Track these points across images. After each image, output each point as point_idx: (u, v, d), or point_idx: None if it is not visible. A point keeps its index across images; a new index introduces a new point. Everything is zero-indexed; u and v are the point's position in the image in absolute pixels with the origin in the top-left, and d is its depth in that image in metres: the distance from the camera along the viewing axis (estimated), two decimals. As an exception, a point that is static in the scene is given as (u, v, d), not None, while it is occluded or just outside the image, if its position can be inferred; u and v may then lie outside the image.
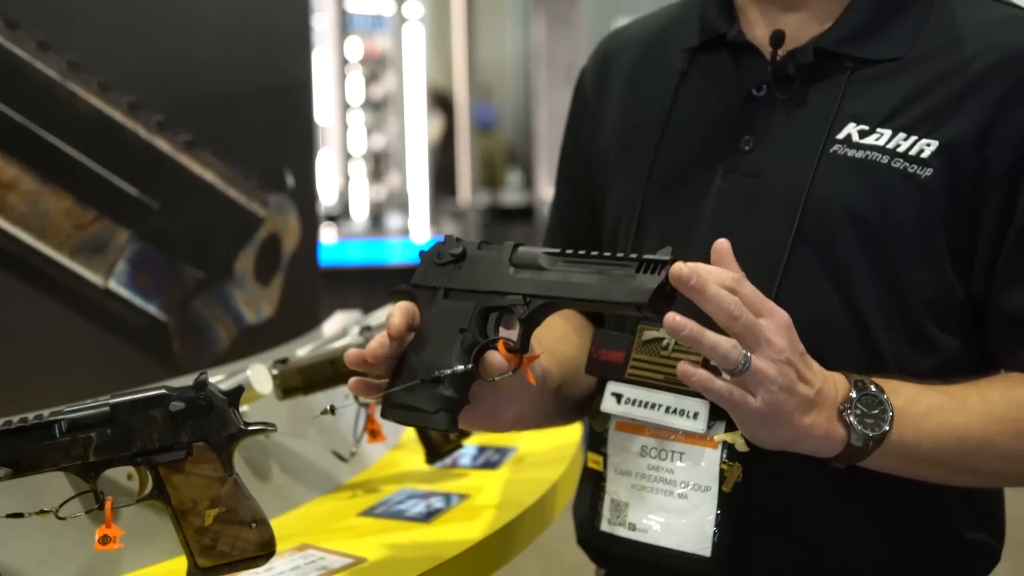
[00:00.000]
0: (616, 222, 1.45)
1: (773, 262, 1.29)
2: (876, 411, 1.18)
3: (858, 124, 1.30)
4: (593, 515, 1.39)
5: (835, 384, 1.20)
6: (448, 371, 1.20)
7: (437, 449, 1.80)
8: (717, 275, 1.13)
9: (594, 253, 1.17)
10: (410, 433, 2.00)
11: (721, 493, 1.28)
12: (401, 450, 2.01)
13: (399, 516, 1.65)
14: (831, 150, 1.29)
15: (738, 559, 1.29)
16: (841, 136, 1.30)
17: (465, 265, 1.25)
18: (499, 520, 1.62)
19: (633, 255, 1.13)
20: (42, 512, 1.29)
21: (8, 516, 1.29)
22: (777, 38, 1.32)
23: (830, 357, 1.22)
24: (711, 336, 1.11)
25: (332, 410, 1.45)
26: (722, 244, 1.17)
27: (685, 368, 1.13)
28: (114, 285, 1.69)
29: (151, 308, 1.75)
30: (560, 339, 1.46)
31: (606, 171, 1.48)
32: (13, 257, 1.56)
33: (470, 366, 1.20)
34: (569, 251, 1.18)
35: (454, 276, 1.25)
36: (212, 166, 1.86)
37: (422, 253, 1.29)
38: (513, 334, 1.23)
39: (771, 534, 1.30)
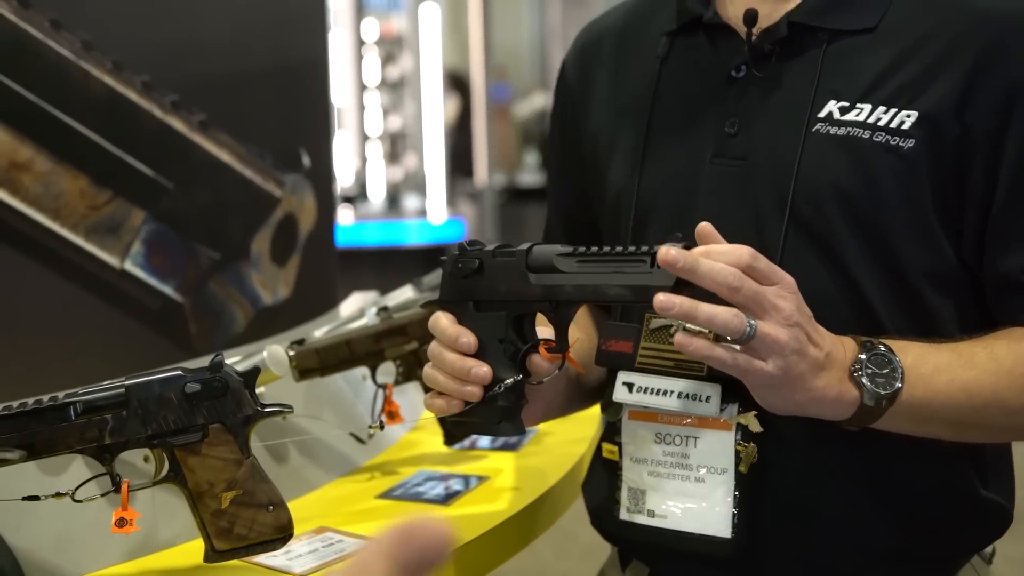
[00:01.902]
0: (614, 212, 1.44)
1: (770, 244, 1.28)
2: (886, 370, 1.19)
3: (838, 101, 1.30)
4: (611, 504, 1.39)
5: (844, 346, 1.20)
6: (501, 388, 1.23)
7: (455, 431, 1.79)
8: (732, 253, 1.13)
9: (606, 249, 1.17)
10: (428, 414, 1.99)
11: (738, 474, 1.29)
12: (419, 432, 2.00)
13: (417, 498, 1.64)
14: (814, 128, 1.29)
15: (757, 538, 1.30)
16: (823, 114, 1.30)
17: (486, 275, 1.24)
18: (519, 502, 1.61)
19: (645, 248, 1.13)
20: (58, 495, 1.29)
21: (24, 499, 1.28)
22: (750, 16, 1.32)
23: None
24: (705, 308, 1.10)
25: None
26: (704, 227, 1.17)
27: (681, 339, 1.13)
28: (130, 266, 1.67)
29: (167, 289, 1.74)
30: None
31: (597, 161, 1.48)
32: (28, 238, 1.54)
33: (519, 377, 1.24)
34: (582, 249, 1.18)
35: (478, 288, 1.25)
36: (227, 146, 1.85)
37: (442, 264, 1.28)
38: (547, 331, 1.26)
39: (788, 512, 1.30)
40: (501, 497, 1.64)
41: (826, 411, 1.19)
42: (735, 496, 1.29)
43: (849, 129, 1.28)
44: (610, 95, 1.48)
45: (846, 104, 1.29)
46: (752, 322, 1.11)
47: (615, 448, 1.38)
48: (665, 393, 1.31)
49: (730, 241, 1.29)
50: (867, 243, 1.28)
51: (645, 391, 1.33)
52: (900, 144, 1.26)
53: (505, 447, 1.88)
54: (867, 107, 1.28)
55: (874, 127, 1.27)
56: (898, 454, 1.29)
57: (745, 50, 1.34)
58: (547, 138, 1.62)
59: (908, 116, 1.27)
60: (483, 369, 1.23)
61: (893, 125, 1.27)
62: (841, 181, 1.28)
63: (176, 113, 1.74)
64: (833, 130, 1.29)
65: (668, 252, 1.09)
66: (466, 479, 1.72)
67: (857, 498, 1.30)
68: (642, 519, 1.35)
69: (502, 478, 1.73)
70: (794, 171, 1.28)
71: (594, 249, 1.17)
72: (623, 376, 1.34)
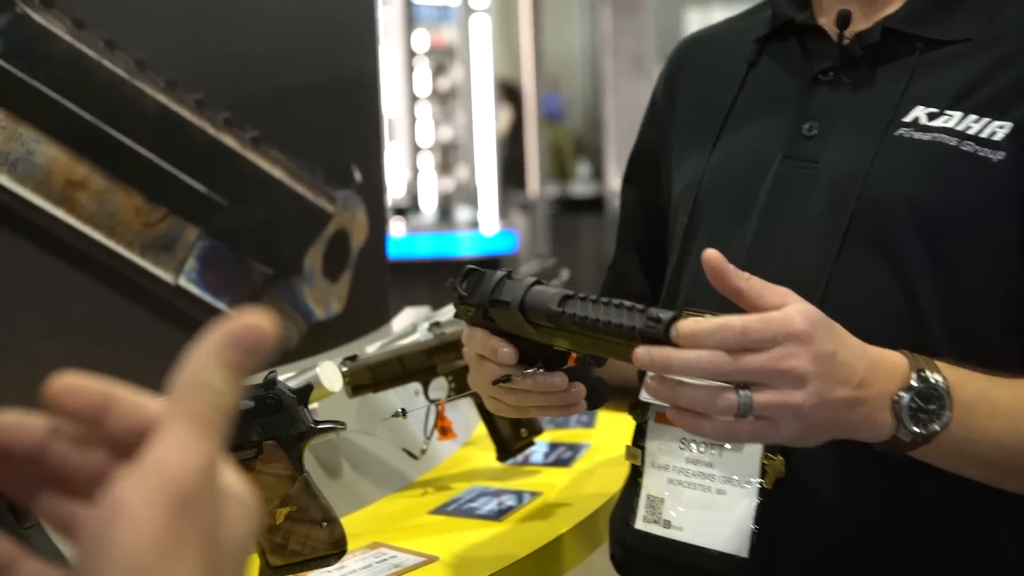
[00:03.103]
0: (674, 220, 1.43)
1: (825, 251, 1.24)
2: (933, 406, 1.09)
3: (926, 107, 1.25)
4: (628, 512, 1.34)
5: (889, 367, 1.10)
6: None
7: (508, 446, 1.80)
8: (717, 334, 1.02)
9: (604, 300, 1.10)
10: (481, 430, 2.00)
11: (762, 489, 1.23)
12: (471, 447, 2.01)
13: (470, 514, 1.65)
14: (896, 133, 1.25)
15: (775, 561, 1.23)
16: (908, 119, 1.25)
17: (495, 318, 1.22)
18: (572, 518, 1.62)
19: (640, 307, 1.06)
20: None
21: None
22: (843, 17, 1.29)
23: None
24: (685, 391, 1.03)
25: (404, 413, 1.45)
26: (711, 257, 1.07)
27: (671, 414, 1.06)
28: (184, 282, 1.70)
29: (221, 305, 1.76)
30: None
31: (671, 162, 1.47)
32: (83, 255, 1.57)
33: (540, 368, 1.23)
34: (580, 295, 1.12)
35: (493, 325, 1.23)
36: (279, 162, 1.87)
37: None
38: None
39: (810, 536, 1.23)
40: (555, 513, 1.64)
41: (858, 437, 1.11)
42: (756, 512, 1.23)
43: (935, 135, 1.23)
44: (693, 100, 1.47)
45: (934, 110, 1.25)
46: (744, 395, 1.02)
47: (638, 452, 1.34)
48: None
49: (778, 247, 1.27)
50: (934, 259, 1.21)
51: None
52: (989, 156, 1.20)
53: (558, 462, 1.89)
54: (957, 114, 1.23)
55: (963, 135, 1.22)
56: (933, 493, 1.21)
57: (835, 52, 1.31)
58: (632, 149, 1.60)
59: (1001, 127, 1.21)
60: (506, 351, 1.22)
61: (984, 135, 1.21)
62: (915, 189, 1.22)
63: (229, 130, 1.77)
64: (917, 135, 1.23)
65: (640, 353, 1.03)
66: (519, 495, 1.72)
67: (881, 533, 1.23)
68: (657, 529, 1.30)
69: (555, 494, 1.73)
70: (864, 175, 1.24)
71: (592, 298, 1.11)
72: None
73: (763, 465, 1.23)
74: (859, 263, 1.23)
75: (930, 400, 1.09)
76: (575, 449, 1.95)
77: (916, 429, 1.09)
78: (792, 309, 1.04)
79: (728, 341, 1.02)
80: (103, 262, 1.59)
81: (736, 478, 1.25)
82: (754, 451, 1.24)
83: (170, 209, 1.67)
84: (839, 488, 1.23)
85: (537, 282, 1.17)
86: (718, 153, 1.38)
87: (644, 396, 1.31)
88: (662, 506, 1.30)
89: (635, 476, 1.35)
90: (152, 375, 1.66)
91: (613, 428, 2.00)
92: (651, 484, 1.32)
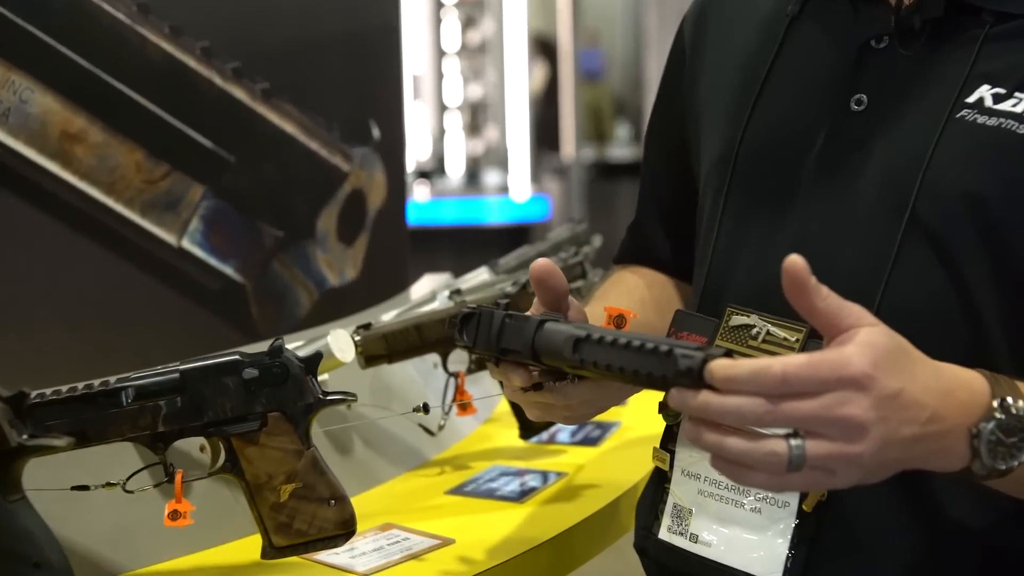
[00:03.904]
0: (704, 193, 1.40)
1: (881, 250, 1.21)
2: (1015, 439, 1.05)
3: (993, 87, 1.21)
4: (652, 520, 1.33)
5: (967, 395, 1.06)
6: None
7: (532, 423, 1.80)
8: (755, 381, 0.97)
9: (622, 342, 1.04)
10: (503, 406, 2.00)
11: (800, 511, 1.21)
12: (493, 424, 2.01)
13: (490, 495, 1.65)
14: (958, 115, 1.21)
15: None
16: (972, 100, 1.21)
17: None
18: (599, 501, 1.62)
19: (665, 345, 1.00)
20: (108, 485, 1.32)
21: (73, 488, 1.31)
22: None
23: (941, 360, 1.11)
24: (731, 443, 0.98)
25: (426, 408, 1.45)
26: (795, 266, 1.00)
27: (713, 464, 1.01)
28: (188, 244, 1.70)
29: (227, 269, 1.77)
30: (636, 303, 1.45)
31: (701, 126, 1.43)
32: (81, 214, 1.57)
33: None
34: (596, 335, 1.07)
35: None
36: (291, 117, 1.87)
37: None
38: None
39: (849, 567, 1.22)
40: (581, 495, 1.64)
41: (925, 467, 1.08)
42: (793, 536, 1.21)
43: (1001, 120, 1.19)
44: (726, 54, 1.42)
45: (1002, 91, 1.20)
46: (796, 445, 0.97)
47: (666, 457, 1.31)
48: None
49: (824, 241, 1.23)
50: (997, 259, 1.19)
51: None
52: None
53: (585, 441, 1.89)
54: None
55: None
56: (992, 531, 1.20)
57: (891, 20, 1.26)
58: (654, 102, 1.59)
59: None
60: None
61: None
62: (979, 180, 1.19)
63: (238, 81, 1.77)
64: (981, 119, 1.20)
65: (674, 400, 0.99)
66: (543, 475, 1.72)
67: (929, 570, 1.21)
68: (682, 542, 1.28)
69: (582, 474, 1.73)
70: (924, 163, 1.20)
71: (609, 339, 1.06)
72: None
73: None
74: (916, 265, 1.20)
75: (1013, 432, 1.05)
76: (604, 428, 1.95)
77: (995, 464, 1.05)
78: (851, 349, 0.98)
79: (767, 389, 0.96)
80: (101, 221, 1.60)
81: (773, 497, 1.23)
82: None
83: (173, 166, 1.67)
84: (887, 517, 1.22)
85: (543, 321, 1.13)
86: (754, 124, 1.34)
87: None
88: (690, 518, 1.28)
89: (661, 480, 1.33)
90: (152, 342, 1.67)
91: (645, 406, 1.97)
92: (679, 493, 1.31)
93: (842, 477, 1.00)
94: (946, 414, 1.04)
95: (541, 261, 1.21)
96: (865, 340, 0.99)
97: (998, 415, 1.05)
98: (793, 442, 0.97)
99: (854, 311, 1.01)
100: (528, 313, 1.19)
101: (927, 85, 1.24)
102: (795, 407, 0.96)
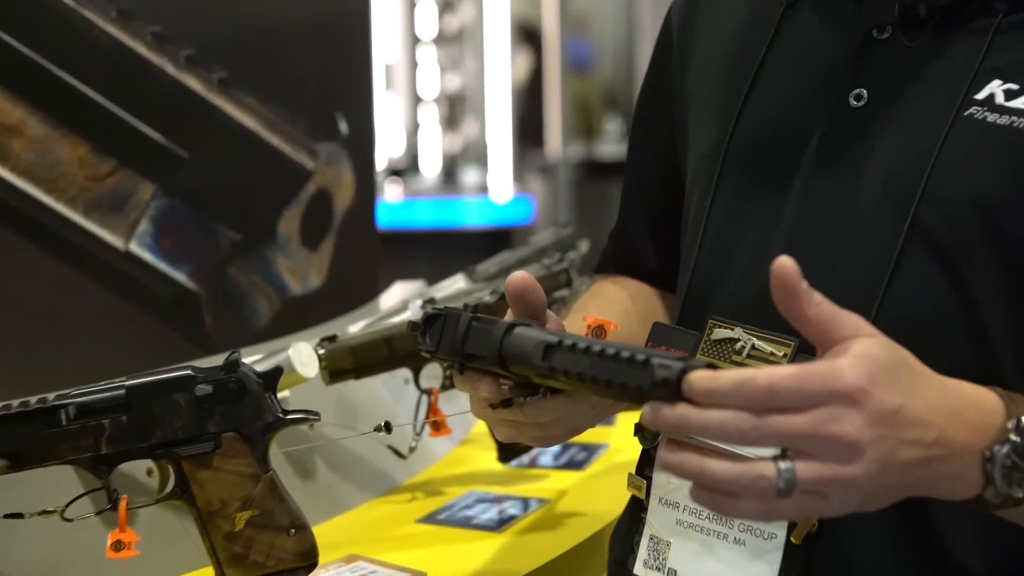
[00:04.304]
0: (691, 194, 1.40)
1: (880, 256, 1.21)
2: None
3: (1005, 82, 1.21)
4: (627, 553, 1.31)
5: (978, 415, 1.05)
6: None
7: (512, 445, 1.79)
8: (738, 393, 0.95)
9: (596, 349, 1.03)
10: (480, 426, 2.00)
11: (788, 544, 1.20)
12: (469, 445, 2.01)
13: (466, 524, 1.65)
14: (966, 112, 1.21)
15: None
16: (981, 96, 1.21)
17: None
18: (584, 531, 1.62)
19: (642, 354, 0.99)
20: (45, 512, 1.30)
21: (6, 516, 1.30)
22: None
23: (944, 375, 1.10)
24: (714, 468, 0.96)
25: (388, 427, 1.44)
26: (784, 268, 0.99)
27: (694, 494, 0.99)
28: (136, 248, 1.69)
29: (179, 275, 1.76)
30: (619, 315, 1.44)
31: (689, 120, 1.44)
32: (18, 214, 1.57)
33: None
34: (568, 342, 1.06)
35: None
36: (251, 109, 1.86)
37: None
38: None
39: None
40: (565, 524, 1.64)
41: (932, 494, 1.07)
42: (781, 571, 1.20)
43: (1013, 118, 1.19)
44: (716, 44, 1.43)
45: (1014, 87, 1.20)
46: (786, 468, 0.95)
47: (643, 484, 1.30)
48: None
49: (819, 246, 1.23)
50: (1007, 269, 1.19)
51: None
52: None
53: (569, 465, 1.88)
54: None
55: None
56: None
57: (895, 9, 1.26)
58: (639, 94, 1.59)
59: None
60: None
61: None
62: (988, 184, 1.19)
63: (192, 70, 1.76)
64: (992, 117, 1.20)
65: (648, 416, 0.96)
66: (524, 502, 1.72)
67: None
68: None
69: (566, 501, 1.73)
70: (928, 165, 1.20)
71: (582, 346, 1.05)
72: None
73: None
74: (918, 273, 1.21)
75: None
76: (590, 450, 1.95)
77: (1011, 491, 1.04)
78: (845, 361, 0.97)
79: (752, 402, 0.94)
80: (41, 222, 1.59)
81: (758, 528, 1.22)
82: None
83: (121, 161, 1.66)
84: (883, 550, 1.21)
85: (512, 325, 1.12)
86: (745, 120, 1.35)
87: None
88: (668, 551, 1.27)
89: (637, 510, 1.32)
90: (96, 355, 1.66)
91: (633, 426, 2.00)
92: (656, 523, 1.29)
93: (836, 503, 0.98)
94: (954, 435, 1.02)
95: (518, 274, 1.20)
96: (860, 351, 0.98)
97: (1014, 437, 1.04)
98: (782, 464, 0.95)
99: (850, 320, 1.00)
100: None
101: (933, 79, 1.24)
102: (784, 422, 0.94)
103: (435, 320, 1.19)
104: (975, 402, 1.05)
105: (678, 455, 0.97)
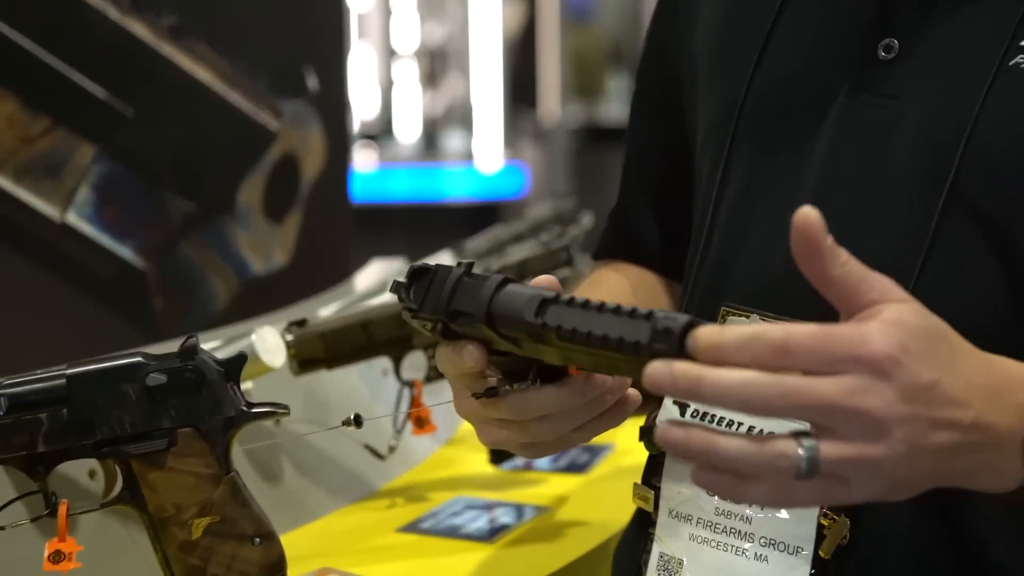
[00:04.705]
0: (700, 165, 1.42)
1: (916, 226, 1.22)
2: None
3: None
4: (633, 573, 1.33)
5: (1022, 400, 1.05)
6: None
7: (506, 445, 1.80)
8: (748, 348, 0.95)
9: (595, 304, 1.04)
10: (469, 425, 2.00)
11: (817, 558, 1.21)
12: (456, 445, 2.02)
13: (453, 533, 1.65)
14: (1012, 61, 1.21)
15: None
16: None
17: (460, 332, 1.21)
18: (586, 542, 1.63)
19: (644, 311, 1.00)
20: (-28, 519, 1.31)
21: (-73, 523, 1.31)
22: None
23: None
24: (726, 444, 0.95)
25: (358, 421, 1.44)
26: (807, 218, 0.98)
27: (695, 472, 0.98)
28: (74, 219, 1.70)
29: (124, 251, 1.76)
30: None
31: (696, 91, 1.45)
32: (-60, 180, 1.57)
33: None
34: (565, 297, 1.07)
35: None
36: (206, 61, 1.86)
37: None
38: None
39: None
40: (564, 534, 1.65)
41: (969, 484, 1.08)
42: None
43: None
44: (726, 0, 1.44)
45: None
46: (809, 446, 0.95)
47: (650, 495, 1.31)
48: (730, 424, 1.22)
49: (850, 230, 1.21)
50: None
51: (703, 418, 1.24)
52: None
53: (570, 468, 1.89)
54: None
55: None
56: None
57: None
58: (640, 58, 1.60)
59: None
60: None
61: None
62: None
63: (138, 15, 1.76)
64: None
65: (655, 371, 0.95)
66: (519, 509, 1.73)
67: None
68: None
69: (566, 509, 1.74)
70: (970, 122, 1.21)
71: (579, 301, 1.07)
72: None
73: (821, 526, 1.21)
74: (959, 248, 1.22)
75: None
76: (594, 452, 1.96)
77: None
78: (874, 325, 0.96)
79: (761, 359, 0.94)
80: (-34, 189, 1.59)
81: (783, 542, 1.23)
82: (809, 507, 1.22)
83: (56, 120, 1.67)
84: (922, 564, 1.23)
85: (506, 280, 1.12)
86: (760, 79, 1.35)
87: (662, 419, 1.28)
88: (680, 571, 1.28)
89: (644, 524, 1.33)
90: (29, 341, 1.66)
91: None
92: (666, 539, 1.30)
93: (857, 489, 0.97)
94: (995, 419, 1.02)
95: (545, 279, 1.18)
96: (892, 318, 0.97)
97: None
98: (805, 441, 0.94)
99: (879, 283, 1.00)
100: None
101: (973, 25, 1.25)
102: (814, 388, 0.93)
103: (422, 275, 1.19)
104: (1021, 383, 1.05)
105: (682, 430, 0.95)
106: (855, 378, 0.94)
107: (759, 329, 0.94)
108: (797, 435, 0.94)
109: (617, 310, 1.01)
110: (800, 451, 0.94)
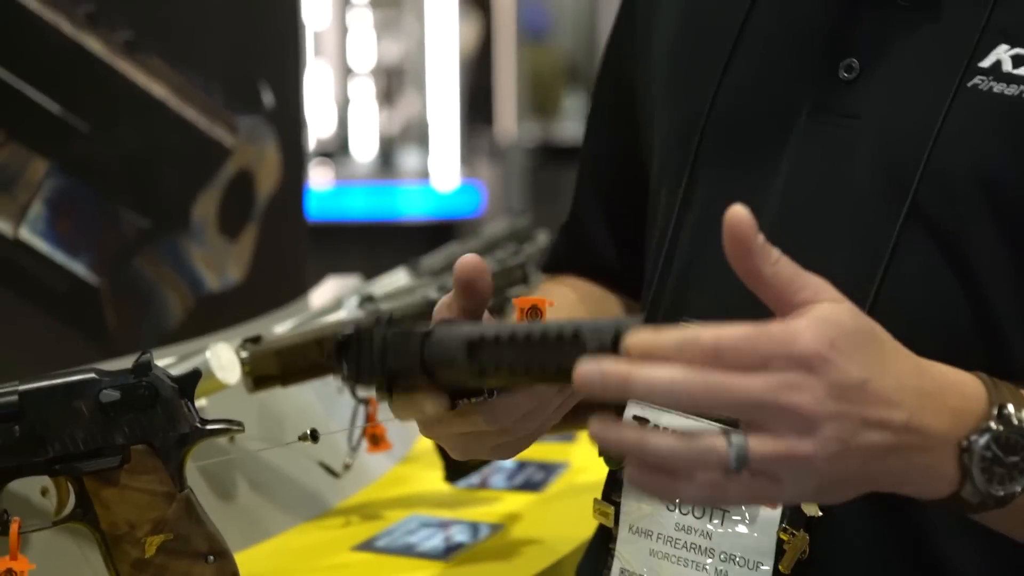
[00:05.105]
0: (660, 177, 1.42)
1: (875, 244, 1.23)
2: (1016, 457, 1.05)
3: (1012, 46, 1.23)
4: None
5: (957, 399, 1.06)
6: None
7: (461, 463, 1.80)
8: (681, 348, 0.95)
9: (521, 335, 1.03)
10: (425, 441, 2.00)
11: (777, 573, 1.22)
12: (411, 463, 2.01)
13: (408, 552, 1.66)
14: (970, 83, 1.23)
15: None
16: (987, 63, 1.23)
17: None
18: (542, 560, 1.63)
19: (571, 329, 1.00)
20: (-78, 536, 1.30)
21: None
22: None
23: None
24: (656, 440, 0.95)
25: (314, 436, 1.42)
26: (737, 217, 1.00)
27: (631, 475, 0.98)
28: (26, 234, 1.69)
29: (77, 267, 1.76)
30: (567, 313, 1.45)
31: (654, 104, 1.46)
32: None
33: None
34: (491, 334, 1.06)
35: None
36: (161, 75, 1.86)
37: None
38: None
39: None
40: (520, 552, 1.65)
41: (901, 488, 1.07)
42: None
43: (1023, 88, 1.22)
44: (688, 10, 1.45)
45: (1023, 52, 1.24)
46: (738, 440, 0.95)
47: (610, 511, 1.31)
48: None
49: (808, 233, 1.25)
50: (1015, 254, 1.21)
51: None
52: None
53: (525, 486, 1.90)
54: None
55: None
56: None
57: None
58: (597, 71, 1.61)
59: None
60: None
61: None
62: (995, 161, 1.21)
63: (92, 29, 1.76)
64: (999, 87, 1.22)
65: (585, 372, 0.94)
66: (474, 527, 1.73)
67: None
68: None
69: (521, 527, 1.75)
70: (929, 142, 1.22)
71: (505, 335, 1.06)
72: (634, 408, 1.28)
73: (780, 540, 1.22)
74: (918, 260, 1.23)
75: (1014, 449, 1.04)
76: (549, 470, 1.96)
77: (991, 489, 1.04)
78: (803, 323, 0.97)
79: (694, 362, 0.94)
80: (-82, 203, 1.59)
81: (742, 556, 1.23)
82: (769, 521, 1.22)
83: (9, 135, 1.66)
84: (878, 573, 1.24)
85: (429, 332, 1.11)
86: (723, 95, 1.36)
87: None
88: None
89: (605, 540, 1.34)
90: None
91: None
92: (626, 554, 1.30)
93: (790, 486, 0.97)
94: (928, 421, 1.02)
95: (469, 258, 1.17)
96: (823, 315, 0.98)
97: (995, 426, 1.04)
98: (734, 437, 0.95)
99: (811, 282, 1.01)
100: (433, 320, 1.18)
101: (931, 45, 1.26)
102: (740, 384, 0.94)
103: (348, 344, 1.18)
104: (955, 386, 1.06)
105: (613, 428, 0.94)
106: (784, 375, 0.95)
107: (691, 332, 0.95)
108: (727, 431, 0.95)
109: (544, 337, 1.01)
110: (729, 447, 0.94)
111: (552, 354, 1.00)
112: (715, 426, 0.98)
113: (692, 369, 0.93)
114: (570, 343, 0.99)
